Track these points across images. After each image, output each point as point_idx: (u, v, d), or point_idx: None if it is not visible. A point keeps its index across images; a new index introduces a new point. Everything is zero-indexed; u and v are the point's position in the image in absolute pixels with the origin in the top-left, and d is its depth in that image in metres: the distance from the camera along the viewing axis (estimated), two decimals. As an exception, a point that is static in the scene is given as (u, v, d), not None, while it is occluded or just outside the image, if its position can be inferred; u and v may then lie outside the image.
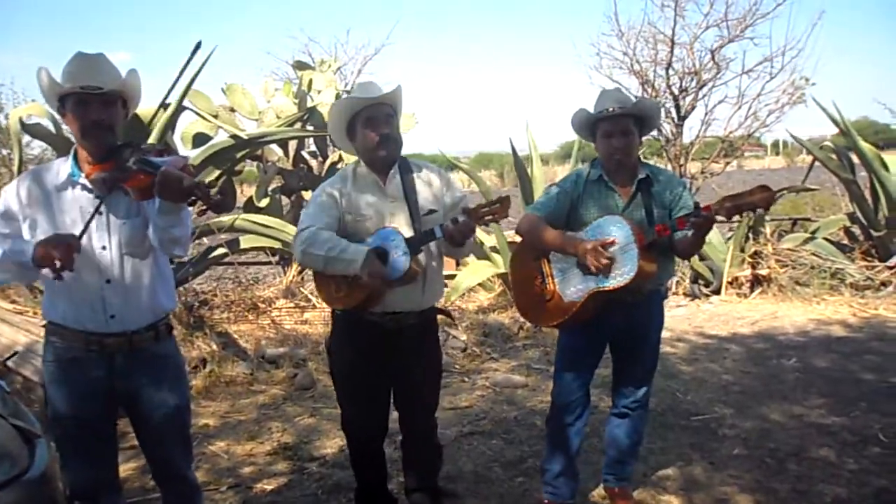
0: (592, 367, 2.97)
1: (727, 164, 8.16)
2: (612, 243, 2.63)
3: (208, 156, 6.61)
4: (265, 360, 5.34)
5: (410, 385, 2.75)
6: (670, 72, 7.90)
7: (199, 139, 7.24)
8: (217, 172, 6.73)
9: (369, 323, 2.61)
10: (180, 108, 6.34)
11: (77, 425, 2.28)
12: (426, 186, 2.65)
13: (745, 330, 6.24)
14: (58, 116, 2.27)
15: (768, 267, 7.66)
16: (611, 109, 2.70)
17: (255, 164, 7.58)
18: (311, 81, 7.76)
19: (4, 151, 7.02)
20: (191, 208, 2.23)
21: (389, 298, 2.55)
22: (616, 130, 2.72)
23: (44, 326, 2.36)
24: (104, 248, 2.22)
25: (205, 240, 6.35)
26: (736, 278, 7.75)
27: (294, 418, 4.29)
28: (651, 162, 3.31)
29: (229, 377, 5.03)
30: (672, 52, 7.84)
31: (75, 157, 2.25)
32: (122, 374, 2.28)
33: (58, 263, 2.01)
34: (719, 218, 2.58)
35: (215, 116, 7.23)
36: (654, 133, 8.25)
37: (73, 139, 2.28)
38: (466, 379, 5.08)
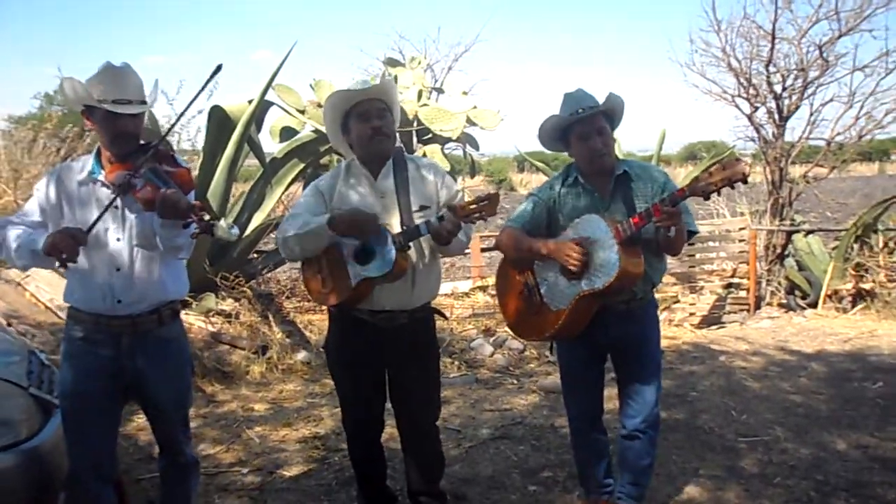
0: (596, 379, 2.89)
1: (833, 168, 7.52)
2: (589, 241, 2.53)
3: (292, 149, 6.93)
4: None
5: (404, 387, 2.73)
6: (771, 69, 7.38)
7: (286, 133, 7.52)
8: (301, 165, 7.02)
9: (362, 321, 2.61)
10: (266, 104, 6.67)
11: (81, 400, 2.42)
12: (420, 182, 2.62)
13: (833, 347, 5.78)
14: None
15: (874, 281, 7.05)
16: (581, 110, 2.57)
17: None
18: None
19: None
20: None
21: (377, 296, 2.55)
22: (592, 131, 2.60)
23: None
24: (118, 239, 2.38)
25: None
26: (836, 291, 7.21)
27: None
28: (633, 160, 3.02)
29: (288, 365, 5.21)
30: (773, 47, 7.31)
31: (97, 156, 2.42)
32: (129, 355, 2.43)
33: (63, 255, 2.21)
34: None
35: (302, 112, 7.50)
36: (753, 134, 7.77)
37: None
38: (516, 381, 5.01)
